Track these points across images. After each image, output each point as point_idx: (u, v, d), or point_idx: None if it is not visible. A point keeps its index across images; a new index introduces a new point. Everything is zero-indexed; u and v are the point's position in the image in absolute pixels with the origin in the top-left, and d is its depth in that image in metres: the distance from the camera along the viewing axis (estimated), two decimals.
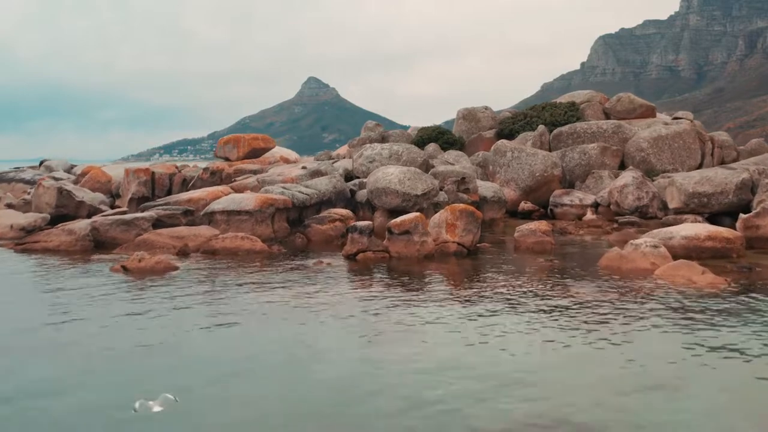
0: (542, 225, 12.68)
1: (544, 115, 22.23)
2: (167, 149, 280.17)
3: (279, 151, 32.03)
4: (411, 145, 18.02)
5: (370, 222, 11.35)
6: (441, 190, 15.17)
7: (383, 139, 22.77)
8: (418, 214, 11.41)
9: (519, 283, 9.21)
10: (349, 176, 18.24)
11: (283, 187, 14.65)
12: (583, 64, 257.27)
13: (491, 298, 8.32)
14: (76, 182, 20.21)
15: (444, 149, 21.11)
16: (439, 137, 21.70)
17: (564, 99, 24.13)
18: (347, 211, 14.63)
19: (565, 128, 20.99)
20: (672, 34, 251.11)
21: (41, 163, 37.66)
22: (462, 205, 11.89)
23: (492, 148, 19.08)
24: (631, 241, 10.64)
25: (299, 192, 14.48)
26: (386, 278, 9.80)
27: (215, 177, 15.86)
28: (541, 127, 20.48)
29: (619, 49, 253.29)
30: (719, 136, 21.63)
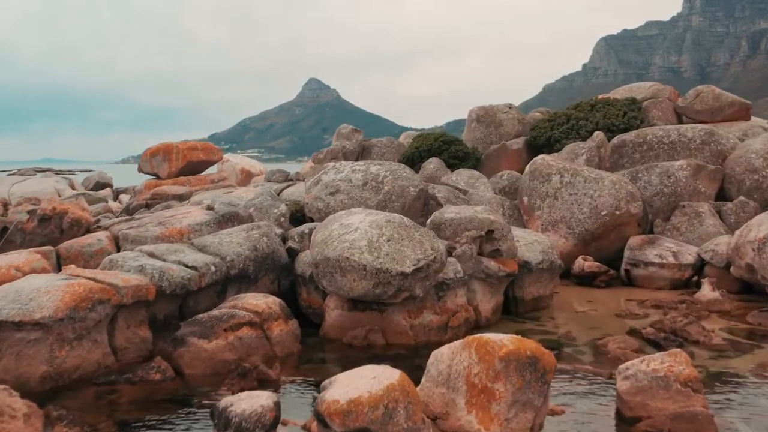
0: (678, 359, 5.49)
1: (595, 116, 15.06)
2: None
3: (240, 161, 25.08)
4: (399, 165, 10.86)
5: (267, 405, 4.18)
6: (451, 253, 8.03)
7: (363, 151, 15.65)
8: (396, 379, 4.24)
9: None
10: (300, 215, 11.12)
11: (151, 255, 7.51)
12: (584, 65, 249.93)
13: None
14: None
15: (451, 167, 14.00)
16: (444, 149, 14.54)
17: (618, 94, 16.92)
18: (270, 300, 7.43)
19: (629, 136, 13.80)
20: (674, 35, 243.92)
21: None
22: (508, 342, 4.69)
23: (528, 168, 11.86)
24: None
25: (180, 264, 7.33)
26: None
27: (47, 227, 8.59)
28: (598, 135, 13.28)
29: (621, 50, 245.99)
30: None
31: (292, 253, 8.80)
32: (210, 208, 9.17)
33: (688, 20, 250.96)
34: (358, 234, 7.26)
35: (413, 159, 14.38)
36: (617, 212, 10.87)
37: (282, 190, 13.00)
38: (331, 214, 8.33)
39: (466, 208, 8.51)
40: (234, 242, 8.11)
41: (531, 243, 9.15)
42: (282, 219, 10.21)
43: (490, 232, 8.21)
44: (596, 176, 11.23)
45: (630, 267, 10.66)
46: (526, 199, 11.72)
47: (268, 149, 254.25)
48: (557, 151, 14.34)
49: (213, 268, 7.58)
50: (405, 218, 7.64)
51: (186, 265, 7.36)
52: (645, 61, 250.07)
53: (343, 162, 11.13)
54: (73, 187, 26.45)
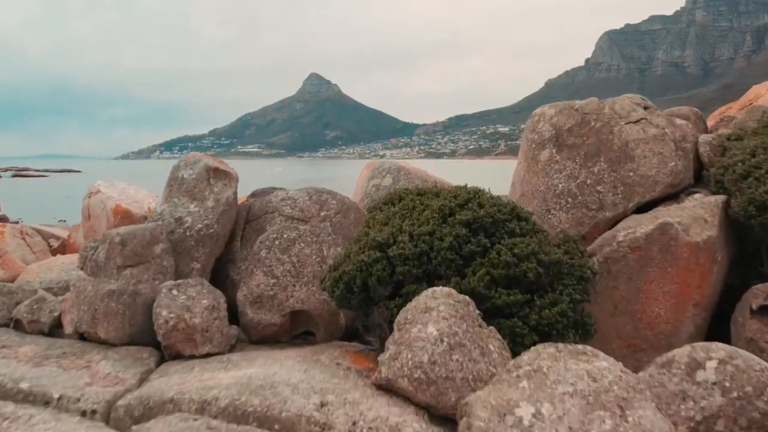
0: None
1: None
2: (168, 146, 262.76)
3: (114, 195, 14.71)
4: None
5: None
6: None
7: (243, 238, 5.54)
8: None
9: None
10: None
11: None
12: (587, 60, 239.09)
13: None
14: None
15: (501, 314, 3.95)
16: (477, 251, 4.33)
17: None
18: None
19: None
20: (678, 30, 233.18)
21: None
22: None
23: None
24: None
25: None
26: None
27: None
28: None
29: (624, 45, 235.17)
30: None
31: None
32: None
33: (691, 15, 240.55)
34: None
35: (377, 290, 4.18)
36: None
37: None
38: None
39: None
40: None
41: None
42: None
43: None
44: None
45: None
46: None
47: (268, 145, 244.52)
48: None
49: None
50: None
51: None
52: (648, 56, 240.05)
53: None
54: None
